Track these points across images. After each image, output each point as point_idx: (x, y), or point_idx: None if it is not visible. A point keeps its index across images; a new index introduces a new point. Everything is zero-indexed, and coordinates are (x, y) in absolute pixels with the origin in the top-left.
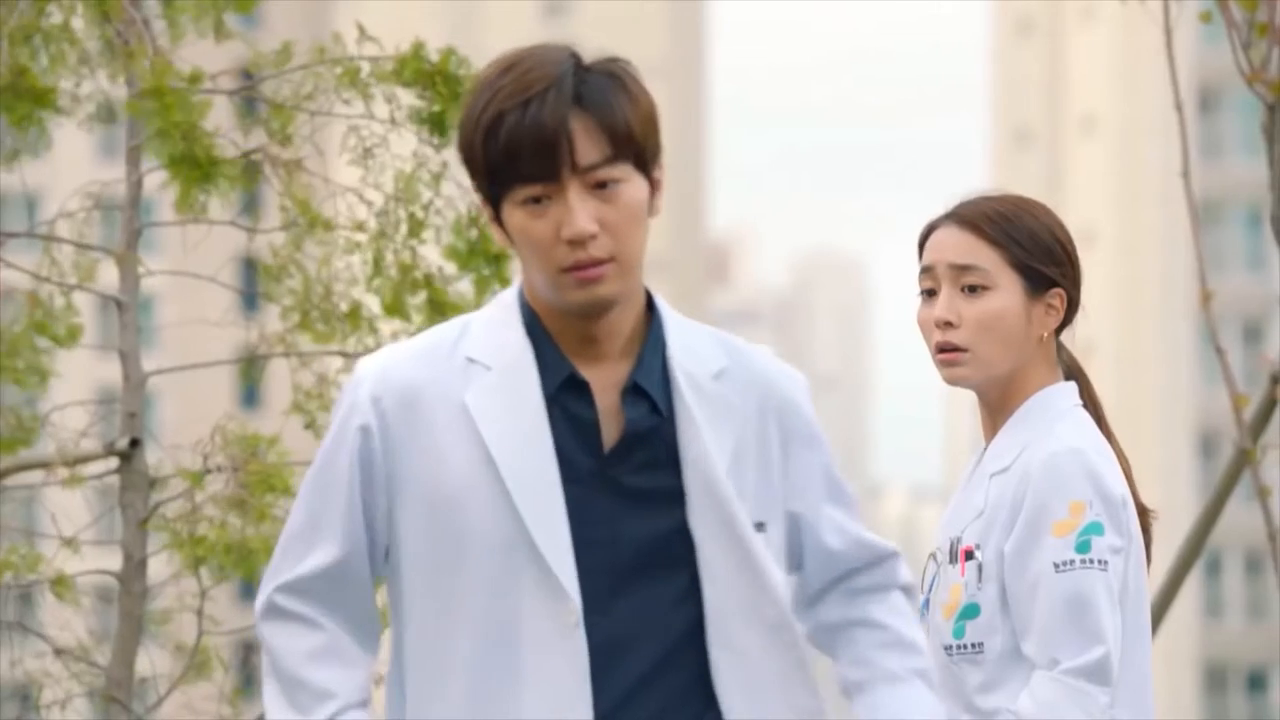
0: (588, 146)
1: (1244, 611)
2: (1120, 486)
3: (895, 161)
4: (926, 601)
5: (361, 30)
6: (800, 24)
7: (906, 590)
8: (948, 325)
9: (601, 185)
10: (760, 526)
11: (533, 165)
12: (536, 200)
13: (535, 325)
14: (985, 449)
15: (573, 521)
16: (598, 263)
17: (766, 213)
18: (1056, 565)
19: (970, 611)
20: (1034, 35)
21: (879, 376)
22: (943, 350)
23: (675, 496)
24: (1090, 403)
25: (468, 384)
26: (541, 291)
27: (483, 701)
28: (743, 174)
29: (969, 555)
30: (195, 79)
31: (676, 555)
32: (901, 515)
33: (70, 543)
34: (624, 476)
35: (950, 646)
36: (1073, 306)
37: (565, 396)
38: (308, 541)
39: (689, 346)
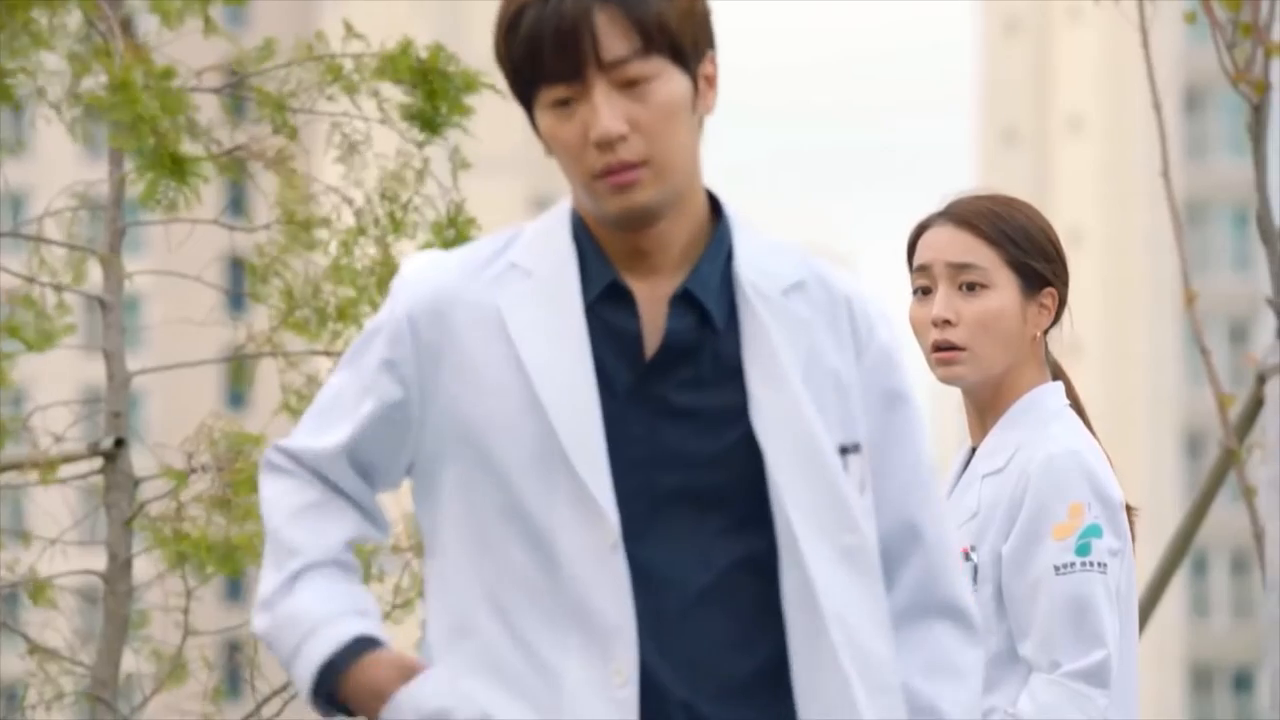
0: (613, 39)
1: (1230, 611)
2: (1117, 489)
3: (882, 160)
4: None
5: (348, 28)
6: (790, 26)
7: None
8: (946, 324)
9: (632, 83)
10: (847, 450)
11: (555, 61)
12: (565, 103)
13: (583, 233)
14: (973, 449)
15: (611, 439)
16: (629, 166)
17: (756, 211)
18: (1057, 568)
19: None
20: (1021, 35)
21: None
22: (939, 349)
23: (732, 414)
24: (1074, 403)
25: (504, 290)
26: (582, 202)
27: (520, 629)
28: (732, 173)
29: (964, 556)
30: (167, 75)
31: (729, 480)
32: None
33: (54, 544)
34: (670, 393)
35: None
36: (1061, 306)
37: (606, 306)
38: (325, 423)
39: (759, 257)
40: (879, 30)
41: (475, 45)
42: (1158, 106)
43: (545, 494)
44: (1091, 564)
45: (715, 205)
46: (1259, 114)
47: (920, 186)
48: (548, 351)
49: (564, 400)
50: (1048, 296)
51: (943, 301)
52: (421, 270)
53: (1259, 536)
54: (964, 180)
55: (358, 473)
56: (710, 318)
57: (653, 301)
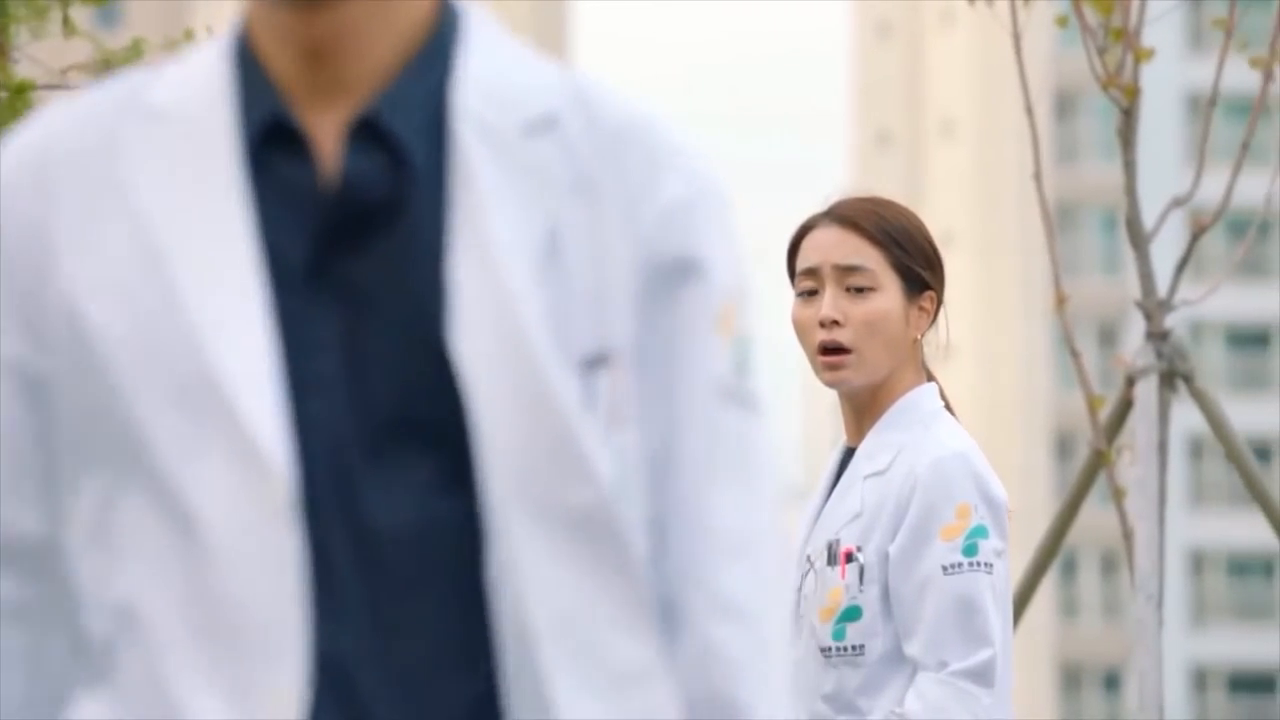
0: None
1: (1099, 611)
2: (1002, 490)
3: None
4: (797, 608)
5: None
6: (662, 35)
7: None
8: (834, 324)
9: None
10: (593, 364)
11: None
12: None
13: (245, 50)
14: (849, 450)
15: (284, 348)
16: None
17: None
18: (945, 568)
19: (851, 614)
20: (893, 38)
21: None
22: (826, 351)
23: (438, 312)
24: (945, 405)
25: (129, 144)
26: (255, 13)
27: (153, 655)
28: None
29: (849, 558)
30: (22, 89)
31: (443, 406)
32: None
33: None
34: (363, 272)
35: (829, 649)
36: (938, 310)
37: (275, 152)
38: None
39: (496, 76)
40: (751, 38)
41: None
42: (1030, 110)
43: (188, 432)
44: (978, 564)
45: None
46: (1129, 119)
47: (793, 189)
48: (187, 225)
49: (209, 295)
50: (927, 300)
51: (830, 302)
52: (26, 128)
53: (1128, 537)
54: (838, 183)
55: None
56: (405, 155)
57: (335, 139)
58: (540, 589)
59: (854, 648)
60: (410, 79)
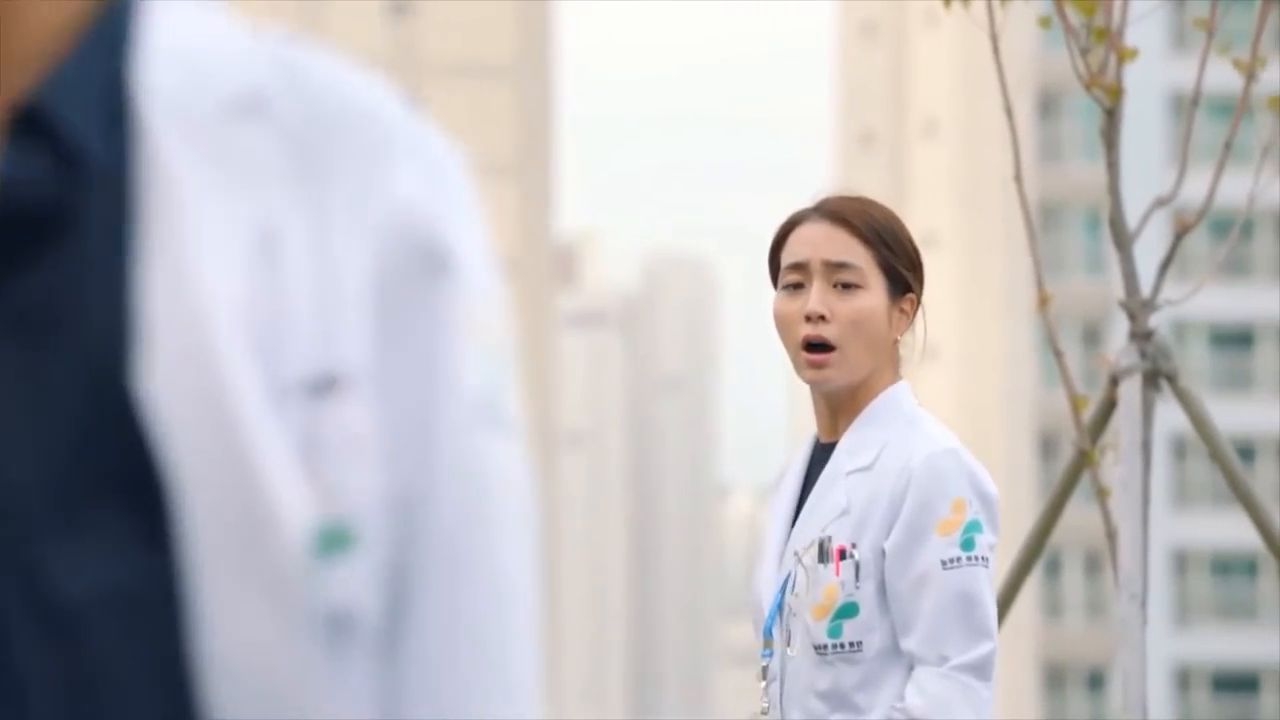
0: None
1: (1083, 611)
2: (993, 485)
3: (742, 161)
4: (779, 605)
5: None
6: (646, 36)
7: None
8: (820, 319)
9: None
10: (319, 389)
11: None
12: None
13: None
14: (822, 445)
15: None
16: None
17: (616, 215)
18: (944, 562)
19: (848, 610)
20: (877, 38)
21: (725, 378)
22: (811, 348)
23: (122, 335)
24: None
25: None
26: None
27: None
28: (593, 180)
29: (844, 554)
30: None
31: (136, 453)
32: (748, 517)
33: None
34: (35, 294)
35: (824, 646)
36: (915, 313)
37: None
38: None
39: (190, 50)
40: (738, 38)
41: (331, 48)
42: (1009, 111)
43: None
44: (976, 558)
45: None
46: (1112, 118)
47: (778, 188)
48: None
49: None
50: (908, 302)
51: (818, 297)
52: None
53: (1112, 537)
54: (821, 183)
55: None
56: (78, 150)
57: None
58: (249, 663)
59: (851, 644)
60: (84, 57)
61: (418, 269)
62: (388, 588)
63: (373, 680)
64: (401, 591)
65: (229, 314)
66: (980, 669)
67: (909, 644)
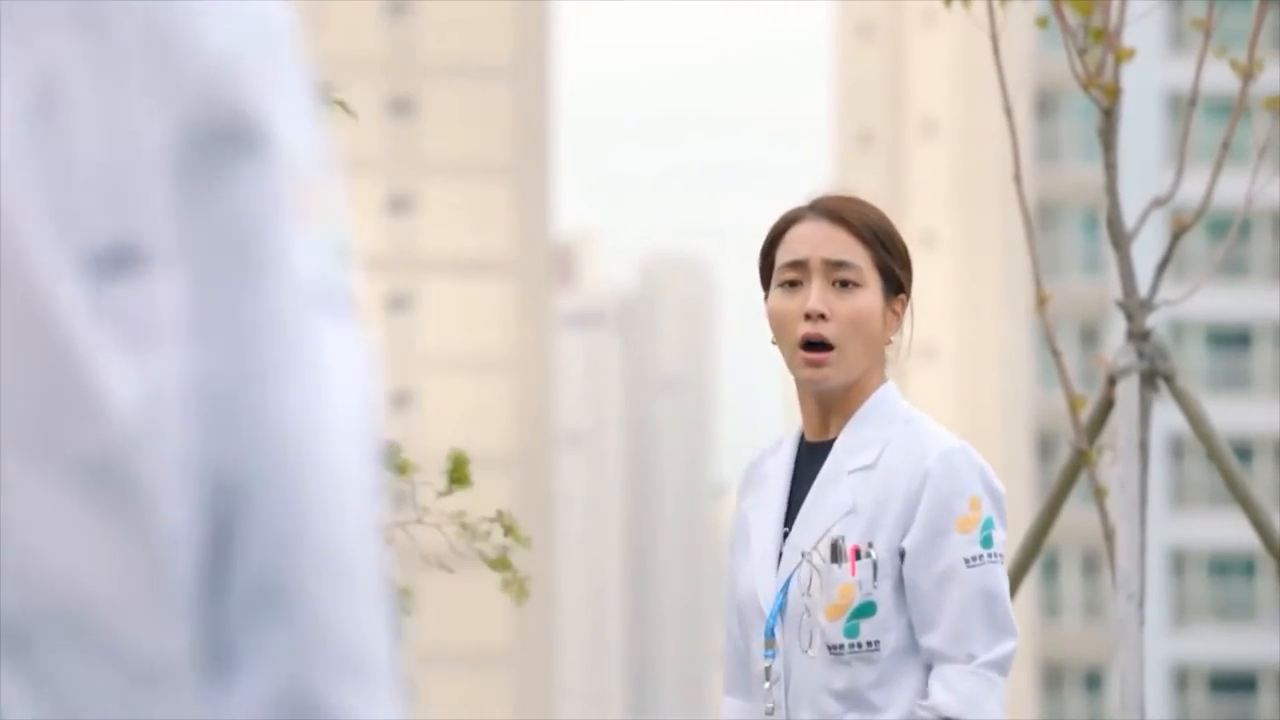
0: None
1: (1081, 611)
2: (1000, 483)
3: (740, 162)
4: (781, 607)
5: None
6: (644, 36)
7: None
8: (820, 318)
9: None
10: (111, 263)
11: None
12: None
13: None
14: (810, 444)
15: None
16: None
17: (614, 215)
18: (967, 560)
19: (865, 610)
20: (875, 38)
21: (723, 379)
22: (810, 347)
23: None
24: None
25: None
26: None
27: None
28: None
29: (859, 554)
30: None
31: None
32: None
33: None
34: None
35: (840, 646)
36: (903, 314)
37: None
38: None
39: None
40: (735, 37)
41: (329, 47)
42: (1009, 111)
43: None
44: (995, 555)
45: None
46: (1109, 118)
47: (775, 188)
48: None
49: None
50: (899, 303)
51: (818, 295)
52: None
53: (1109, 537)
54: (819, 183)
55: None
56: None
57: None
58: (42, 563)
59: (869, 644)
60: None
61: (230, 140)
62: (213, 496)
63: (198, 605)
64: (231, 500)
65: (10, 172)
66: (1003, 665)
67: (931, 641)
